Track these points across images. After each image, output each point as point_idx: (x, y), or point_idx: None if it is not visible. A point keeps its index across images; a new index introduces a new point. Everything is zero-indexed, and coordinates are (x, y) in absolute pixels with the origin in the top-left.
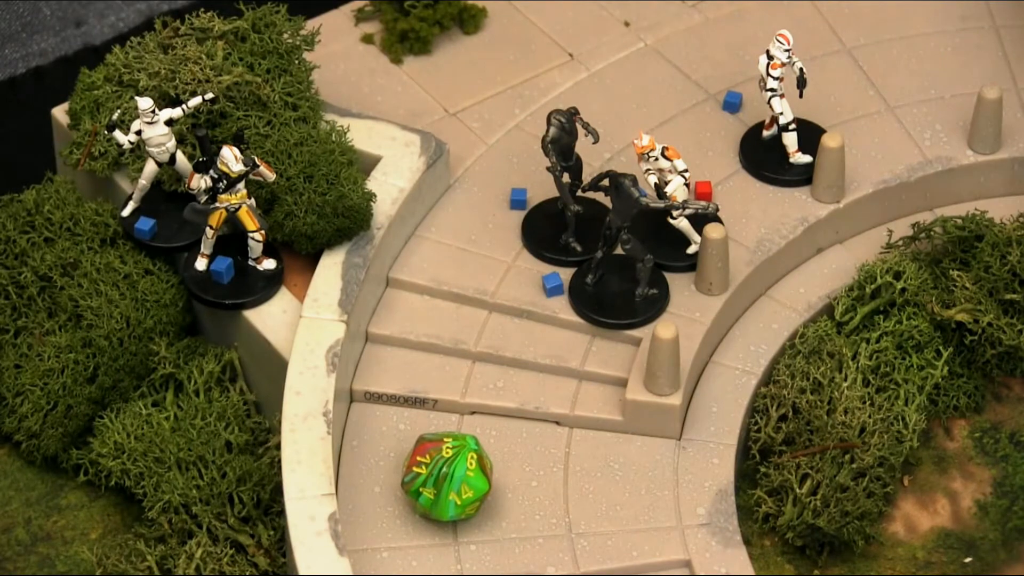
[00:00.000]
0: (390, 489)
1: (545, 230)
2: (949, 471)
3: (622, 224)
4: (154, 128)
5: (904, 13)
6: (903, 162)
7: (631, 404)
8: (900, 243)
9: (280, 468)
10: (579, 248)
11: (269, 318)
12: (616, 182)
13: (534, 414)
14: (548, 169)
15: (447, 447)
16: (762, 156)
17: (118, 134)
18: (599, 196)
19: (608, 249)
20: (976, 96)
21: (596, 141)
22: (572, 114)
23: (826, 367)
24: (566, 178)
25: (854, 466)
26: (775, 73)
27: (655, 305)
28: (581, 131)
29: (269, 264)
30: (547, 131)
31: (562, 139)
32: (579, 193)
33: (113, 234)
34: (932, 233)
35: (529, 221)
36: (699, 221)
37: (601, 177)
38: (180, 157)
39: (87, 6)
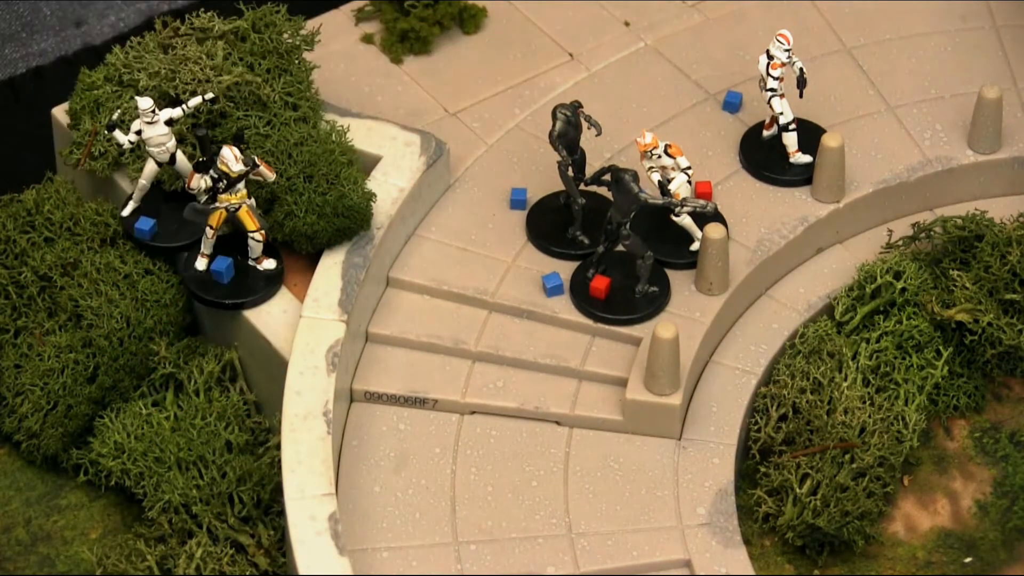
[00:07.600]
0: (390, 489)
1: (550, 224)
2: (949, 471)
3: (622, 220)
4: (154, 128)
5: (904, 13)
6: (903, 162)
7: (631, 404)
8: (900, 243)
9: (280, 468)
10: (587, 241)
11: (269, 318)
12: (617, 177)
13: (534, 414)
14: (559, 164)
15: None
16: (762, 156)
17: (118, 134)
18: (603, 190)
19: (610, 244)
20: (976, 96)
21: (599, 133)
22: (576, 107)
23: (826, 367)
24: (570, 171)
25: (854, 466)
26: (775, 73)
27: (655, 302)
28: (584, 124)
29: (269, 264)
30: (553, 126)
31: (568, 132)
32: (580, 186)
33: (113, 234)
34: (932, 233)
35: (533, 217)
36: (702, 219)
37: (603, 171)
38: (180, 157)
39: (87, 6)
